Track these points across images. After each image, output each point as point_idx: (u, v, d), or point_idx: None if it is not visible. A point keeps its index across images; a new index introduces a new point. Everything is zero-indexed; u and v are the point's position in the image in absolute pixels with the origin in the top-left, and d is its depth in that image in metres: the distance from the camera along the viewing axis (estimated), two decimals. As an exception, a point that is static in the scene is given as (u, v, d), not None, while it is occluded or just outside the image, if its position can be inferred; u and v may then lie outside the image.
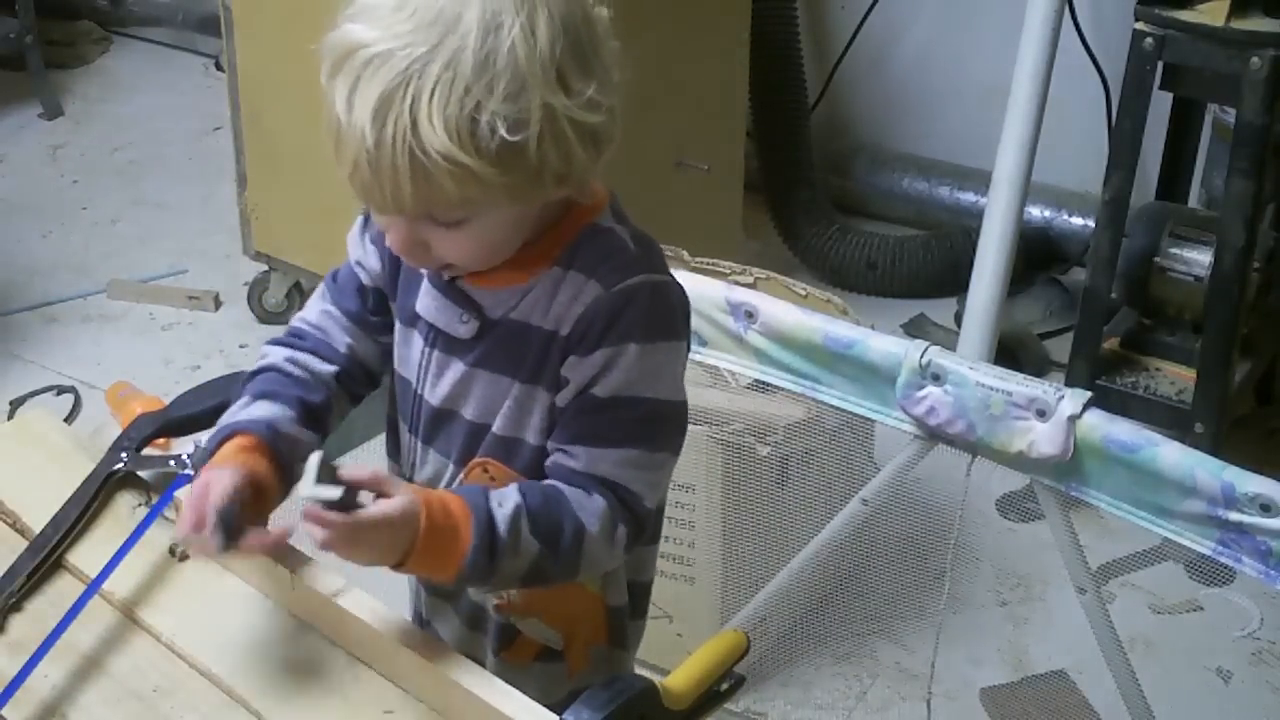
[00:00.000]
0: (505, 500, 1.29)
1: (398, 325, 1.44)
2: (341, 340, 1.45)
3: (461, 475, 1.40)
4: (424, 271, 1.38)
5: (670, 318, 1.35)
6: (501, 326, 1.35)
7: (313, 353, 1.44)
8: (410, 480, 1.44)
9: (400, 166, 1.19)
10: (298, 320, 1.48)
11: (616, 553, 1.35)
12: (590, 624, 1.49)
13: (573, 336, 1.31)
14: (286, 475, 1.34)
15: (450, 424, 1.40)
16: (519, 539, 1.28)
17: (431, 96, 1.18)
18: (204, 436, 1.55)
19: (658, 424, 1.35)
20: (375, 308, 1.46)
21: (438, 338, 1.39)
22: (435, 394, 1.40)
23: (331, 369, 1.44)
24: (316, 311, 1.47)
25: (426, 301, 1.38)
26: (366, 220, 1.45)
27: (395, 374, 1.46)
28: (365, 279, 1.45)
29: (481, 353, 1.36)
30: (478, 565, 1.27)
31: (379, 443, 1.55)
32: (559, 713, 1.25)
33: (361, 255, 1.45)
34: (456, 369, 1.38)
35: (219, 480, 1.29)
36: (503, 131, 1.19)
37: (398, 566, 1.27)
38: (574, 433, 1.33)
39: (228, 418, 1.39)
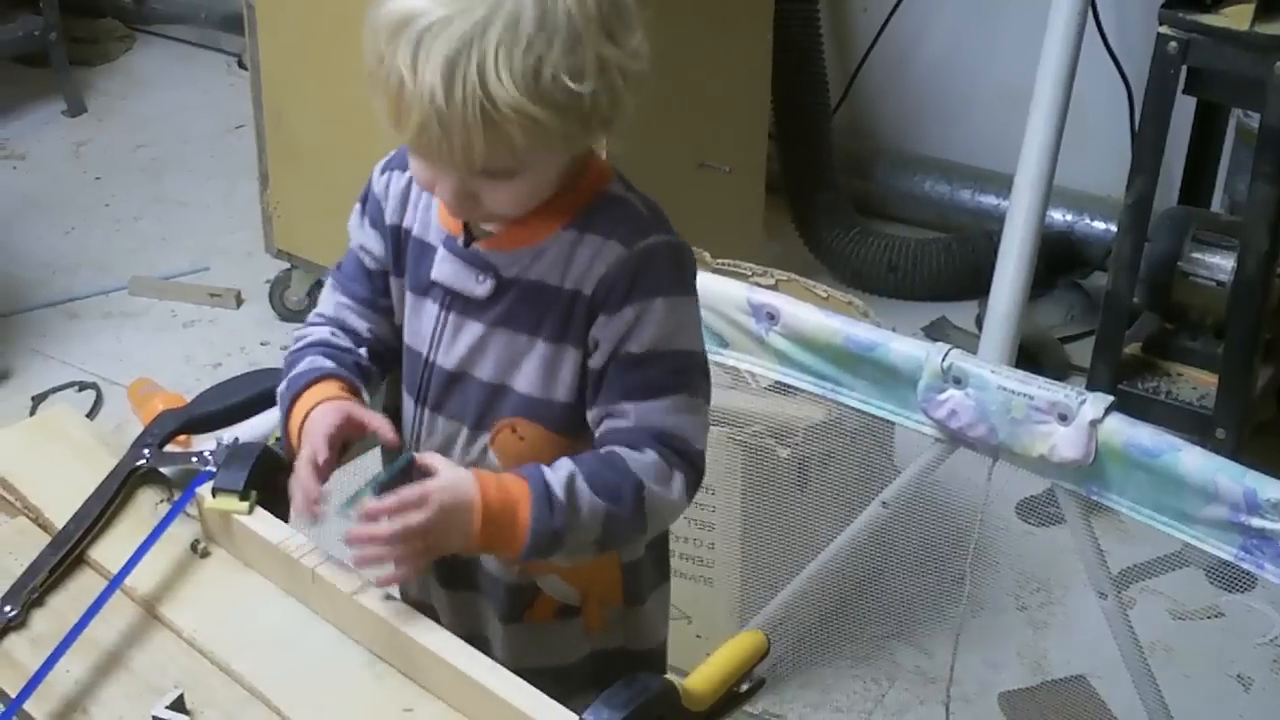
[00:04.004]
0: (558, 467, 1.35)
1: (409, 296, 1.48)
2: (360, 325, 1.51)
3: (487, 438, 1.43)
4: (439, 241, 1.43)
5: (688, 275, 1.42)
6: (518, 286, 1.40)
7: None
8: (417, 450, 1.47)
9: (472, 123, 1.25)
10: (314, 316, 1.53)
11: (678, 500, 1.40)
12: (605, 581, 1.52)
13: (598, 295, 1.37)
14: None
15: (463, 387, 1.44)
16: (576, 497, 1.33)
17: (497, 55, 1.24)
18: (226, 434, 1.56)
19: (693, 373, 1.41)
20: (383, 289, 1.51)
21: (454, 301, 1.43)
22: (450, 357, 1.44)
23: (362, 349, 1.50)
24: (331, 304, 1.52)
25: (444, 267, 1.43)
26: (364, 204, 1.50)
27: (404, 349, 1.50)
28: (370, 263, 1.51)
29: (499, 312, 1.41)
30: (541, 530, 1.32)
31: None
32: (575, 708, 1.26)
33: (364, 239, 1.50)
34: (473, 330, 1.42)
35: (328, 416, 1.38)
36: (565, 81, 1.25)
37: (469, 544, 1.31)
38: (617, 392, 1.38)
39: (300, 370, 1.45)
